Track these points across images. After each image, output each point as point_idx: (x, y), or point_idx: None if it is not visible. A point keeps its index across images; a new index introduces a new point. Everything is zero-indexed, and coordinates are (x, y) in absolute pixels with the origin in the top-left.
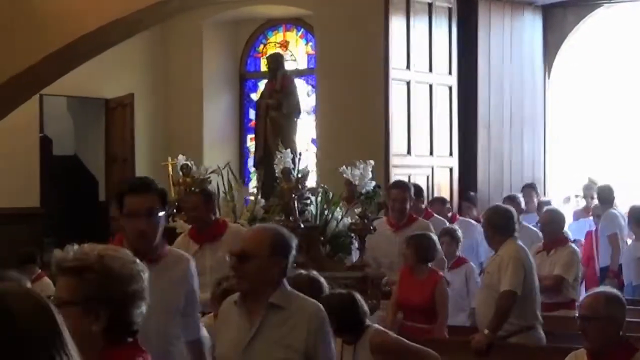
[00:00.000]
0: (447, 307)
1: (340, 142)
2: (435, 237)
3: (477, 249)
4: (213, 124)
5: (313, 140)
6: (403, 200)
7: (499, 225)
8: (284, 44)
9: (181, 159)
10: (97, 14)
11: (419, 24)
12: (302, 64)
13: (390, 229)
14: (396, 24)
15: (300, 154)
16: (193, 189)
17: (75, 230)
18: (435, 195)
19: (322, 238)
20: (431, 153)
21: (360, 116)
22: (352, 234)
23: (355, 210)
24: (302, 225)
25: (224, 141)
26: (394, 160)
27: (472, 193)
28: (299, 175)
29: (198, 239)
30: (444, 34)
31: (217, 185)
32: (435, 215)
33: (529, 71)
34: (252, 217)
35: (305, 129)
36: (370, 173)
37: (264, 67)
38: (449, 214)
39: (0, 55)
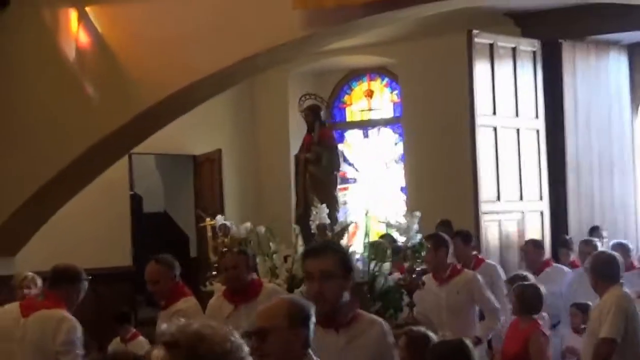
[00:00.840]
0: (544, 358)
1: (429, 190)
2: (541, 287)
3: (566, 296)
4: None
5: (402, 189)
6: (435, 255)
7: (603, 271)
8: (369, 94)
9: (219, 219)
10: (186, 72)
11: (504, 69)
12: (388, 113)
13: (435, 283)
14: (480, 70)
15: (339, 207)
16: (232, 248)
17: None
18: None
19: (369, 295)
20: (521, 198)
21: (447, 163)
22: (402, 290)
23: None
24: None
25: None
26: (483, 207)
27: (567, 237)
28: (336, 231)
29: (232, 300)
30: (529, 77)
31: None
32: (487, 261)
33: (616, 111)
34: (291, 276)
35: (394, 178)
36: (416, 225)
37: (349, 117)
38: (542, 259)
39: (91, 116)
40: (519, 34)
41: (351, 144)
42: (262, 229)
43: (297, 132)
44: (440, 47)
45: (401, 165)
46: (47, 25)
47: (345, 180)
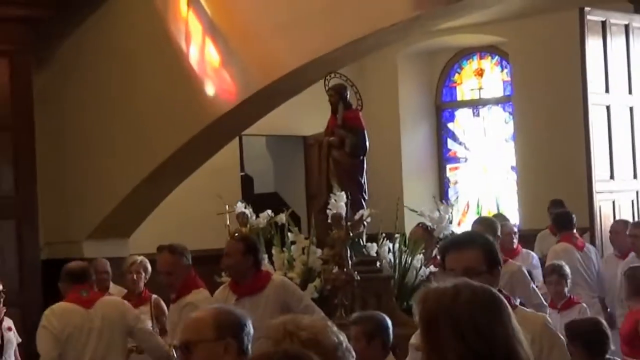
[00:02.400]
0: None
1: (540, 169)
2: None
3: None
4: (411, 156)
5: (513, 168)
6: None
7: None
8: (479, 72)
9: (239, 207)
10: (295, 54)
11: (616, 46)
12: (498, 92)
13: None
14: (593, 47)
15: (361, 196)
16: (236, 235)
17: None
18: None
19: (397, 291)
20: (634, 176)
21: (559, 142)
22: None
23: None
24: (358, 277)
25: (423, 172)
26: (597, 187)
27: None
28: (353, 222)
29: (236, 291)
30: None
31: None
32: (524, 250)
33: None
34: (306, 269)
35: (505, 157)
36: (450, 215)
37: (460, 97)
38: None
39: (201, 99)
40: (631, 10)
41: (461, 123)
42: (282, 218)
43: (407, 113)
44: (552, 25)
45: (512, 144)
46: (157, 10)
47: (455, 159)
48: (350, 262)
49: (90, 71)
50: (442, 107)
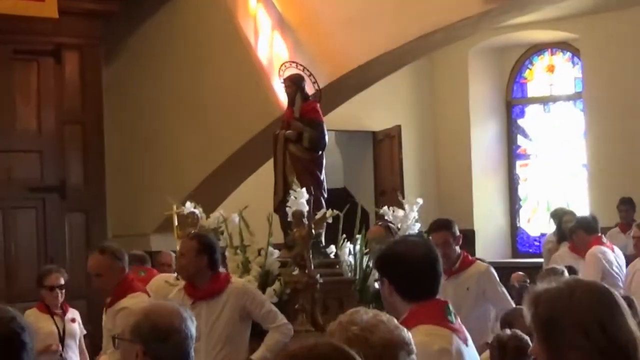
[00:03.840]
0: None
1: (611, 167)
2: None
3: None
4: (481, 152)
5: (584, 165)
6: (444, 244)
7: None
8: (550, 69)
9: (189, 207)
10: (364, 49)
11: None
12: (570, 88)
13: (444, 277)
14: None
15: (320, 193)
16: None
17: None
18: None
19: (360, 295)
20: None
21: (631, 139)
22: None
23: None
24: (321, 280)
25: (492, 169)
26: None
27: None
28: (316, 218)
29: (192, 295)
30: None
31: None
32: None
33: None
34: (264, 272)
35: (576, 154)
36: (415, 213)
37: (530, 93)
38: None
39: (269, 94)
40: None
41: (532, 120)
42: (235, 219)
43: (477, 109)
44: (624, 21)
45: (583, 141)
46: (226, 4)
47: (525, 156)
48: (312, 264)
49: (158, 64)
50: (512, 104)
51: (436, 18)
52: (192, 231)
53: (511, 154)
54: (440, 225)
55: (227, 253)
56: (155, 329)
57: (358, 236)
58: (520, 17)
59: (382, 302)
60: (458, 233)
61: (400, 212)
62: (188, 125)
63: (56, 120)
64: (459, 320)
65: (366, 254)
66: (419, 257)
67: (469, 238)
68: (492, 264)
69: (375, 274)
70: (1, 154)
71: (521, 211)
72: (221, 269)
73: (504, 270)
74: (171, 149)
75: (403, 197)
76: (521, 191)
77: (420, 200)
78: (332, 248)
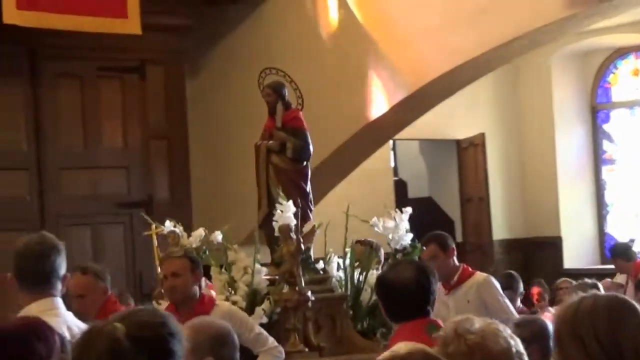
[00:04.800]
0: None
1: None
2: None
3: None
4: (567, 158)
5: None
6: (432, 258)
7: None
8: (635, 72)
9: (168, 226)
10: (446, 57)
11: None
12: None
13: (443, 291)
14: None
15: (307, 206)
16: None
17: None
18: None
19: (352, 312)
20: None
21: None
22: None
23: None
24: (313, 298)
25: (579, 175)
26: None
27: None
28: (304, 232)
29: (178, 320)
30: None
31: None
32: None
33: None
34: (251, 291)
35: None
36: (406, 223)
37: (615, 98)
38: None
39: (352, 103)
40: None
41: (617, 125)
42: (218, 237)
43: (562, 115)
44: None
45: None
46: (307, 16)
47: (612, 161)
48: (302, 280)
49: (241, 77)
50: (597, 109)
51: (519, 24)
52: (176, 249)
53: (597, 159)
54: (429, 239)
55: (211, 272)
56: (212, 337)
57: (347, 250)
58: (604, 21)
59: (376, 318)
60: (451, 246)
61: (391, 223)
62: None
63: (141, 135)
64: None
65: (357, 267)
66: (403, 281)
67: (556, 245)
68: (580, 270)
69: (368, 289)
70: (88, 171)
71: (608, 217)
72: (204, 290)
73: (592, 277)
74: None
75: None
76: (608, 196)
77: (409, 210)
78: (320, 263)
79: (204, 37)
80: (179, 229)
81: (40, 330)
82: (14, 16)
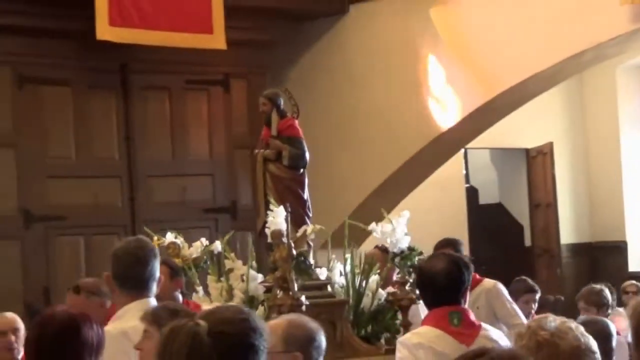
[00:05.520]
0: None
1: None
2: None
3: None
4: (632, 166)
5: None
6: None
7: None
8: None
9: (169, 237)
10: (515, 70)
11: None
12: None
13: None
14: None
15: (304, 212)
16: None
17: (503, 277)
18: None
19: (353, 317)
20: None
21: None
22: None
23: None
24: (306, 302)
25: None
26: None
27: None
28: (296, 238)
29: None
30: None
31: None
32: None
33: None
34: (248, 298)
35: None
36: (405, 227)
37: None
38: None
39: (426, 114)
40: None
41: None
42: (218, 246)
43: (627, 126)
44: None
45: None
46: (384, 31)
47: None
48: (296, 285)
49: (320, 89)
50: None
51: (586, 38)
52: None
53: None
54: (437, 246)
55: (208, 282)
56: (305, 334)
57: (347, 256)
58: None
59: (379, 324)
60: (459, 253)
61: (389, 227)
62: (348, 147)
63: (226, 145)
64: (477, 323)
65: (359, 274)
66: (434, 270)
67: (621, 249)
68: None
69: (370, 295)
70: (177, 178)
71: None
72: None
73: None
74: (335, 168)
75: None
76: None
77: (407, 213)
78: (324, 269)
79: (285, 52)
80: (179, 240)
81: (90, 321)
82: (106, 32)
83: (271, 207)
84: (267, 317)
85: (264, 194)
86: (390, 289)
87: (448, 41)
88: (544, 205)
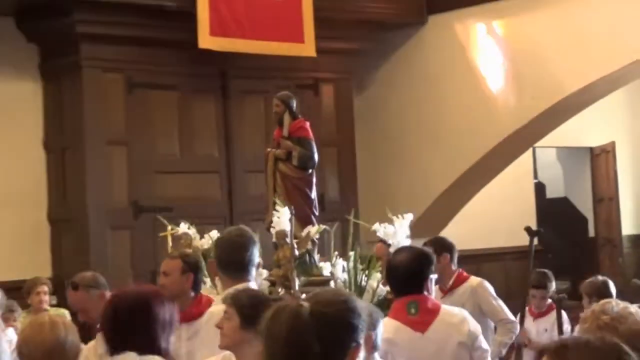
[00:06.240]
0: None
1: None
2: None
3: None
4: None
5: None
6: (437, 261)
7: None
8: None
9: (182, 227)
10: (580, 74)
11: None
12: None
13: (440, 294)
14: None
15: (311, 211)
16: (173, 252)
17: (567, 264)
18: None
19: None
20: None
21: None
22: None
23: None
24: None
25: None
26: None
27: None
28: (301, 238)
29: None
30: None
31: None
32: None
33: None
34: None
35: None
36: (407, 228)
37: None
38: None
39: (498, 116)
40: None
41: None
42: None
43: None
44: None
45: None
46: (459, 39)
47: None
48: (297, 283)
49: (401, 93)
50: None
51: None
52: (174, 252)
53: None
54: (428, 242)
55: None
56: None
57: (350, 253)
58: None
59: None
60: (446, 252)
61: (391, 228)
62: (427, 145)
63: (315, 143)
64: (435, 309)
65: (362, 270)
66: (396, 262)
67: None
68: None
69: (371, 291)
70: None
71: None
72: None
73: None
74: (413, 166)
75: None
76: None
77: (410, 215)
78: (328, 265)
79: (369, 58)
80: (192, 231)
81: (163, 298)
82: (207, 42)
83: (277, 207)
84: None
85: (273, 192)
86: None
87: (519, 49)
88: (606, 199)
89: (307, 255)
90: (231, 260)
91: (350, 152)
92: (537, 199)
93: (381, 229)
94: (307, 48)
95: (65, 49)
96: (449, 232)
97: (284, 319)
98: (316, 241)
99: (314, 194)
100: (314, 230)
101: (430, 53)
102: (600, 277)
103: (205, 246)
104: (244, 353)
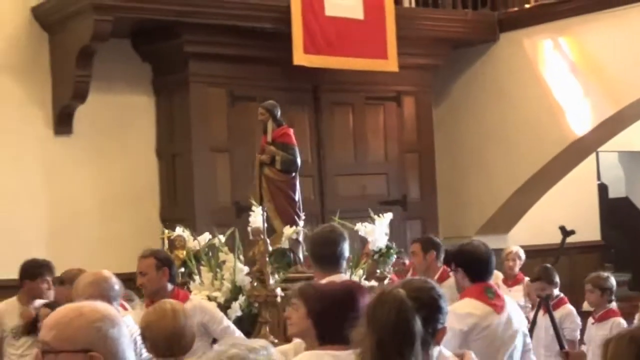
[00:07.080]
0: None
1: None
2: None
3: None
4: None
5: None
6: (413, 254)
7: None
8: None
9: (177, 230)
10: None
11: None
12: None
13: None
14: None
15: (294, 212)
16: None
17: (630, 259)
18: None
19: None
20: None
21: None
22: None
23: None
24: (281, 294)
25: None
26: None
27: None
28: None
29: None
30: None
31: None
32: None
33: None
34: (234, 288)
35: None
36: (386, 227)
37: None
38: None
39: (565, 123)
40: None
41: None
42: (222, 239)
43: None
44: None
45: None
46: (528, 55)
47: None
48: (273, 278)
49: (474, 104)
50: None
51: None
52: (147, 251)
53: None
54: (416, 239)
55: (202, 272)
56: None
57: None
58: None
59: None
60: (432, 249)
61: (371, 227)
62: (498, 151)
63: (398, 150)
64: (503, 296)
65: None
66: (478, 251)
67: None
68: None
69: None
70: (358, 177)
71: None
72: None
73: None
74: (488, 169)
75: None
76: None
77: (390, 215)
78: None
79: (446, 73)
80: (186, 234)
81: (361, 290)
82: (301, 59)
83: (253, 207)
84: (248, 306)
85: (260, 195)
86: (373, 282)
87: (583, 62)
88: None
89: (289, 252)
90: (324, 254)
91: (430, 158)
92: (600, 199)
93: (362, 228)
94: (390, 64)
95: (175, 66)
96: (519, 229)
97: (391, 304)
98: (300, 240)
99: (297, 196)
100: (290, 230)
101: (501, 67)
102: (604, 273)
103: (198, 247)
104: (312, 339)
